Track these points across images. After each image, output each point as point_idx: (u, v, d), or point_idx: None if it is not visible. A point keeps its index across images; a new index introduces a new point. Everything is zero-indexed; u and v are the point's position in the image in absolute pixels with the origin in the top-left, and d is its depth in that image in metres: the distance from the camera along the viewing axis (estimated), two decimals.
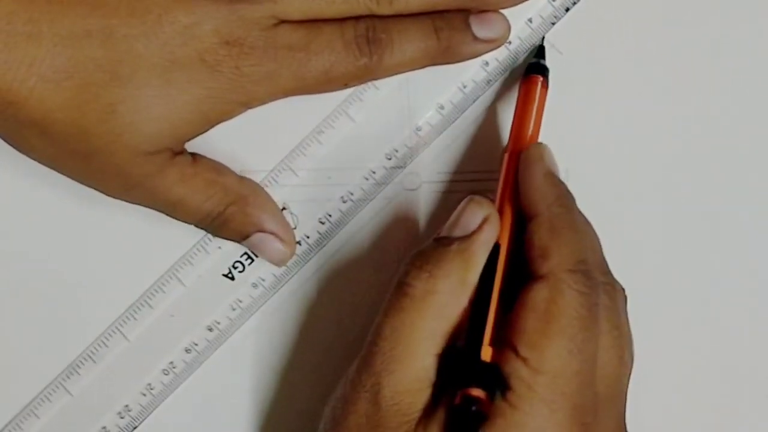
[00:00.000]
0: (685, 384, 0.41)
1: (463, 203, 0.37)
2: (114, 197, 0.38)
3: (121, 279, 0.40)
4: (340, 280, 0.41)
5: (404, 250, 0.40)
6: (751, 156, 0.41)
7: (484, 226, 0.36)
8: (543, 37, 0.40)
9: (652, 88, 0.41)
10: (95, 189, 0.38)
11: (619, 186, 0.41)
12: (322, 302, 0.41)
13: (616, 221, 0.41)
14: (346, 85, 0.38)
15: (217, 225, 0.38)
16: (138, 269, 0.40)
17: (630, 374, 0.37)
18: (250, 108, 0.37)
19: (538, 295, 0.35)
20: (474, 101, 0.41)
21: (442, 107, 0.40)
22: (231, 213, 0.38)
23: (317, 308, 0.41)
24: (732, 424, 0.41)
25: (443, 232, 0.37)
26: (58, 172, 0.37)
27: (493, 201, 0.37)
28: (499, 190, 0.38)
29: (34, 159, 0.37)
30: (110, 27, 0.35)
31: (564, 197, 0.37)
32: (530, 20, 0.40)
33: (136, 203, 0.38)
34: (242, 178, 0.39)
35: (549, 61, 0.40)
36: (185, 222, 0.38)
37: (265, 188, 0.40)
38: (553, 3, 0.40)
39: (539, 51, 0.40)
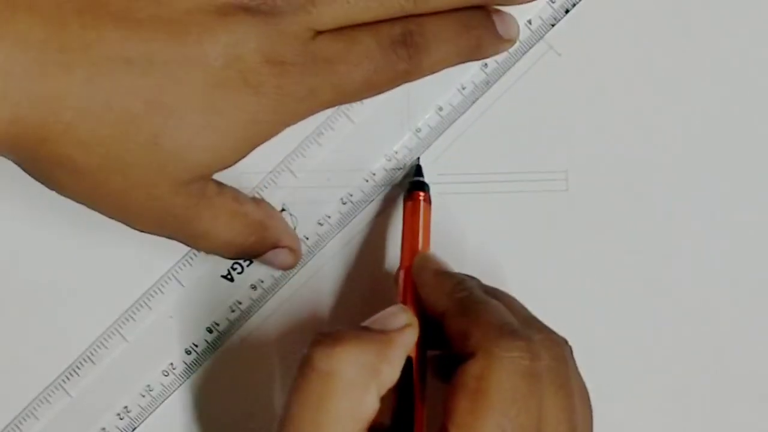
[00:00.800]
0: (674, 388, 0.42)
1: (386, 309, 0.35)
2: (144, 231, 0.36)
3: (121, 280, 0.40)
4: (339, 281, 0.41)
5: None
6: (753, 157, 0.42)
7: (405, 329, 0.34)
8: (418, 158, 0.40)
9: (651, 89, 0.41)
10: (126, 224, 0.36)
11: (619, 187, 0.41)
12: (321, 303, 0.41)
13: (616, 222, 0.41)
14: (384, 91, 0.37)
15: (233, 255, 0.38)
16: (137, 270, 0.40)
17: (591, 426, 0.35)
18: (288, 126, 0.36)
19: (468, 371, 0.32)
20: (473, 103, 0.41)
21: (441, 109, 0.40)
22: (250, 244, 0.38)
23: (316, 309, 0.41)
24: None
25: (362, 324, 0.34)
26: (90, 207, 0.35)
27: None
28: (403, 301, 0.37)
29: (65, 196, 0.35)
30: (150, 53, 0.32)
31: (461, 283, 0.35)
32: (530, 22, 0.40)
33: (161, 236, 0.36)
34: (257, 202, 0.39)
35: (548, 63, 0.40)
36: (201, 251, 0.38)
37: (264, 189, 0.40)
38: (553, 4, 0.40)
39: (417, 170, 0.40)
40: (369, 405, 0.32)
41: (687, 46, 0.41)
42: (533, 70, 0.41)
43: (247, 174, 0.40)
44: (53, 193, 0.38)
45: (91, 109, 0.32)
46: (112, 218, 0.36)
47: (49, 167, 0.33)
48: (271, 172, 0.40)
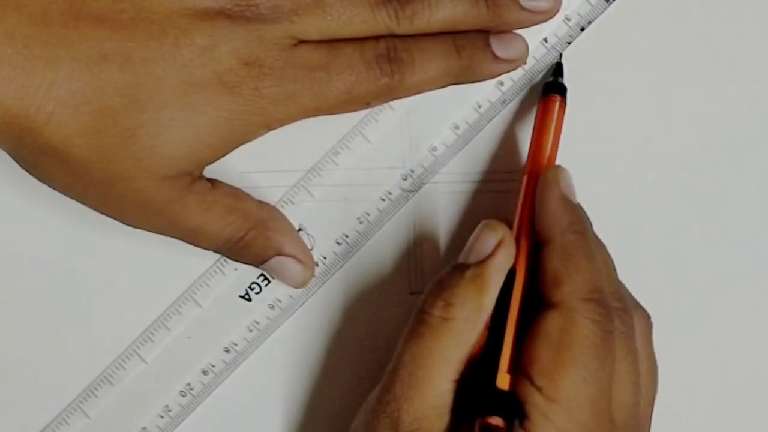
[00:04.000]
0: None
1: (478, 228, 0.37)
2: (133, 226, 0.37)
3: (138, 301, 0.40)
4: (337, 285, 0.41)
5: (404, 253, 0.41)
6: (754, 158, 0.42)
7: (497, 251, 0.36)
8: (560, 54, 0.40)
9: (651, 89, 0.41)
10: (114, 218, 0.37)
11: (619, 187, 0.41)
12: (319, 305, 0.41)
13: (616, 222, 0.41)
14: (368, 105, 0.38)
15: (236, 250, 0.38)
16: (155, 291, 0.40)
17: (653, 399, 0.37)
18: (271, 129, 0.37)
19: (551, 324, 0.35)
20: (489, 121, 0.41)
21: (457, 127, 0.40)
22: (251, 238, 0.38)
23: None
24: None
25: (459, 259, 0.37)
26: (77, 200, 0.37)
27: (512, 224, 0.37)
28: (518, 214, 0.38)
29: (52, 187, 0.37)
30: (128, 50, 0.35)
31: (578, 223, 0.37)
32: (545, 40, 0.40)
33: (154, 232, 0.38)
34: (260, 203, 0.39)
35: (548, 62, 0.40)
36: (204, 249, 0.38)
37: (282, 209, 0.40)
38: (569, 22, 0.40)
39: (557, 69, 0.40)
40: (473, 340, 0.35)
41: (687, 47, 0.41)
42: (533, 70, 0.40)
43: (264, 192, 0.40)
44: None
45: (72, 102, 0.34)
46: (99, 211, 0.37)
47: (34, 157, 0.35)
48: (288, 191, 0.40)
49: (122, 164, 0.35)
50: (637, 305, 0.38)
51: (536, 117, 0.39)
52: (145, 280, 0.40)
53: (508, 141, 0.41)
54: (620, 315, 0.36)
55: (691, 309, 0.41)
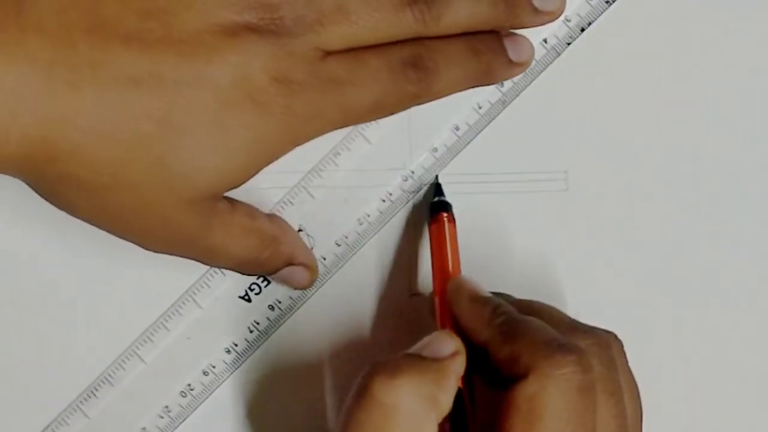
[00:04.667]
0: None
1: (433, 334, 0.35)
2: (155, 251, 0.36)
3: (138, 302, 0.40)
4: (337, 285, 0.41)
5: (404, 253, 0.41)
6: (754, 158, 0.42)
7: (456, 356, 0.34)
8: (437, 176, 0.40)
9: (652, 89, 0.41)
10: (135, 244, 0.36)
11: (619, 187, 0.41)
12: (320, 305, 0.41)
13: (616, 222, 0.41)
14: (392, 113, 0.37)
15: (250, 269, 0.38)
16: (155, 292, 0.40)
17: (640, 417, 0.35)
18: (298, 145, 0.36)
19: (521, 394, 0.32)
20: (490, 122, 0.41)
21: (457, 128, 0.40)
22: (266, 257, 0.38)
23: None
24: None
25: (412, 350, 0.34)
26: (101, 228, 0.35)
27: None
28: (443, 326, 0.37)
29: (71, 214, 0.35)
30: (159, 72, 0.32)
31: (498, 307, 0.35)
32: (545, 41, 0.40)
33: (174, 255, 0.37)
34: (271, 217, 0.39)
35: (547, 62, 0.40)
36: (217, 267, 0.38)
37: (282, 209, 0.40)
38: (568, 23, 0.40)
39: (437, 189, 0.40)
40: None
41: (688, 47, 0.41)
42: (533, 70, 0.41)
43: (265, 192, 0.40)
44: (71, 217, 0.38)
45: (100, 130, 0.32)
46: (124, 239, 0.36)
47: (58, 187, 0.34)
48: (288, 191, 0.40)
49: (151, 193, 0.34)
50: (604, 331, 0.35)
51: (430, 239, 0.39)
52: (146, 280, 0.40)
53: (508, 141, 0.41)
54: (595, 352, 0.33)
55: (691, 312, 0.41)
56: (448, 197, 0.40)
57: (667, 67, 0.41)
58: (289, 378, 0.41)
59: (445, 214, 0.39)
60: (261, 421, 0.41)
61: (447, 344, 0.34)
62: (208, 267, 0.40)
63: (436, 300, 0.38)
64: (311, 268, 0.39)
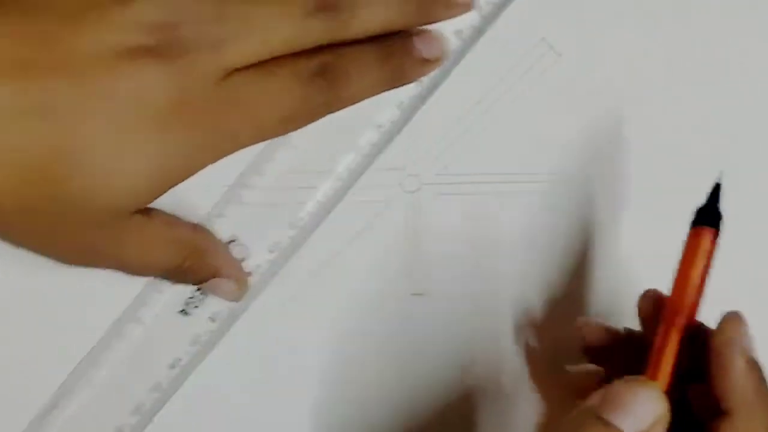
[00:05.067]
0: None
1: (631, 382, 0.32)
2: (74, 266, 0.37)
3: (80, 322, 0.40)
4: (337, 285, 0.41)
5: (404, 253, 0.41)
6: (752, 158, 0.42)
7: (657, 428, 0.31)
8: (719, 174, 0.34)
9: (651, 89, 0.41)
10: (54, 260, 0.36)
11: (618, 187, 0.41)
12: (320, 306, 0.41)
13: (616, 222, 0.41)
14: (306, 124, 0.37)
15: (174, 277, 0.38)
16: (94, 312, 0.40)
17: None
18: (212, 163, 0.36)
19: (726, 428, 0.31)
20: (410, 118, 0.40)
21: (380, 126, 0.40)
22: (188, 266, 0.38)
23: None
24: None
25: (606, 412, 0.31)
26: (15, 246, 0.36)
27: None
28: (653, 370, 0.32)
29: None
30: (50, 101, 0.33)
31: (762, 385, 0.32)
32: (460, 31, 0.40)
33: (95, 268, 0.37)
34: (195, 226, 0.39)
35: (548, 63, 0.41)
36: (143, 277, 0.38)
37: (212, 220, 0.40)
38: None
39: (713, 192, 0.33)
40: None
41: (687, 47, 0.41)
42: (533, 70, 0.41)
43: (196, 203, 0.40)
44: None
45: None
46: (37, 255, 0.36)
47: None
48: (217, 202, 0.40)
49: (57, 216, 0.34)
50: None
51: (684, 251, 0.33)
52: (86, 299, 0.40)
53: (509, 141, 0.41)
54: None
55: None
56: (447, 196, 0.40)
57: (667, 67, 0.41)
58: (289, 377, 0.41)
59: (711, 231, 0.32)
60: (261, 421, 0.41)
61: (648, 409, 0.31)
62: (144, 284, 0.40)
63: (673, 334, 0.32)
64: (239, 281, 0.39)
